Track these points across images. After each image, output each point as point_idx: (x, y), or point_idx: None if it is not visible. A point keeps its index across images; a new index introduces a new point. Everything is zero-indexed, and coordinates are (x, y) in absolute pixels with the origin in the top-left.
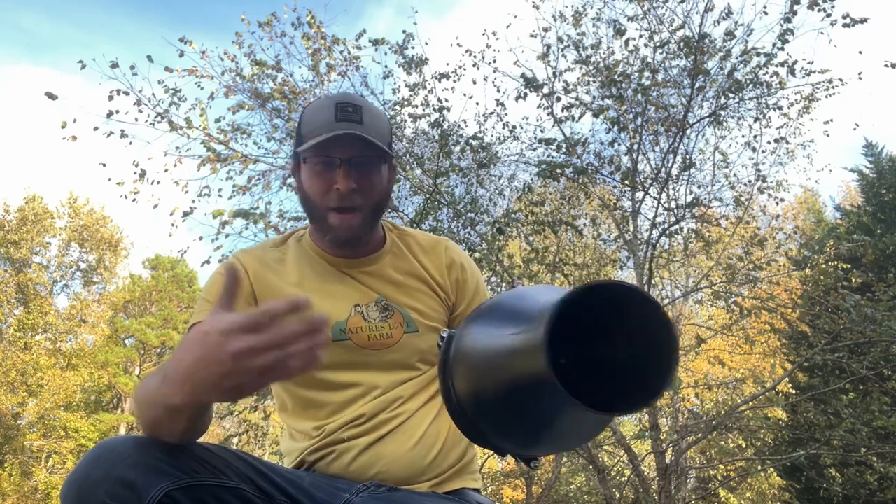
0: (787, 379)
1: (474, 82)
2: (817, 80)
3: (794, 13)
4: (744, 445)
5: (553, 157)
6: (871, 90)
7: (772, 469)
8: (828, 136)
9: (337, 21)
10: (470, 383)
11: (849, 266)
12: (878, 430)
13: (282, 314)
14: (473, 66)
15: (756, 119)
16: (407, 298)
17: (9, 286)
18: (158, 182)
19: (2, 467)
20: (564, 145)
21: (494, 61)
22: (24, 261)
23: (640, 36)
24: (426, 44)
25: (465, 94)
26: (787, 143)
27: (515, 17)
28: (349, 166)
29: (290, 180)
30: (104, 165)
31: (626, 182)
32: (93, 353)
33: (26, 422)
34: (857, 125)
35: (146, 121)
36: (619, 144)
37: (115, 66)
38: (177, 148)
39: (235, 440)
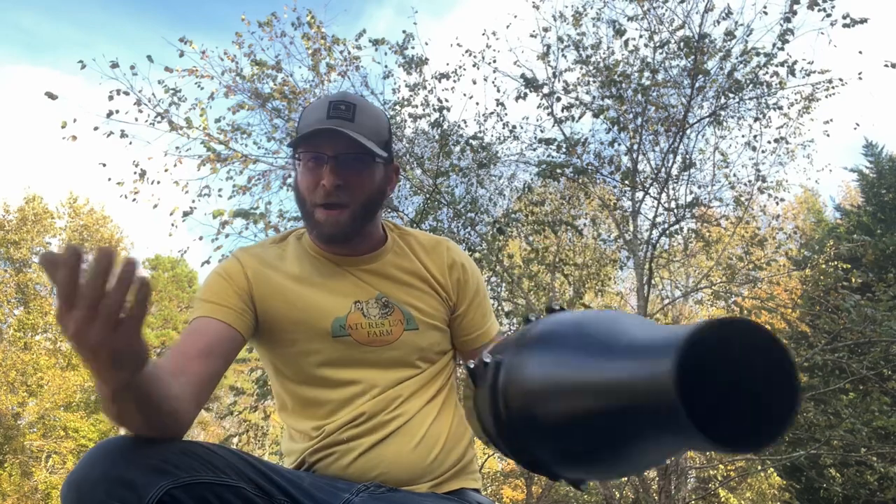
0: None
1: (474, 82)
2: (817, 80)
3: (794, 13)
4: None
5: (553, 157)
6: (871, 90)
7: (772, 469)
8: (828, 136)
9: (337, 21)
10: (539, 412)
11: (849, 266)
12: (878, 430)
13: (94, 275)
14: (473, 66)
15: (756, 119)
16: (407, 296)
17: (9, 286)
18: (158, 182)
19: (2, 467)
20: (564, 145)
21: (494, 61)
22: (24, 261)
23: (640, 36)
24: (426, 44)
25: (465, 94)
26: (787, 143)
27: (515, 17)
28: (336, 163)
29: (290, 180)
30: (104, 165)
31: (626, 182)
32: None
33: (26, 422)
34: (858, 125)
35: (146, 121)
36: (619, 144)
37: (115, 66)
38: (177, 148)
39: (235, 440)
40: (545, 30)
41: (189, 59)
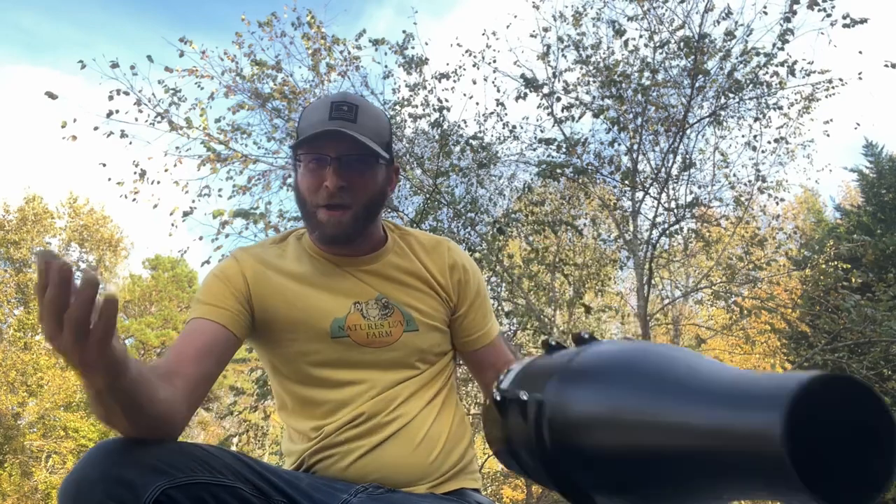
0: None
1: (474, 82)
2: (817, 80)
3: (794, 13)
4: None
5: (553, 157)
6: (871, 90)
7: None
8: (828, 136)
9: (337, 21)
10: (598, 454)
11: (849, 266)
12: None
13: (53, 289)
14: (473, 66)
15: (756, 119)
16: (407, 297)
17: (9, 286)
18: (158, 182)
19: (2, 467)
20: (564, 145)
21: (494, 61)
22: (24, 261)
23: (640, 36)
24: (426, 44)
25: (465, 94)
26: (787, 143)
27: (515, 17)
28: (339, 164)
29: (290, 180)
30: (104, 165)
31: (626, 182)
32: None
33: (26, 422)
34: (858, 125)
35: (146, 121)
36: (619, 144)
37: (115, 66)
38: (177, 148)
39: (235, 440)
40: (545, 30)
41: (189, 59)
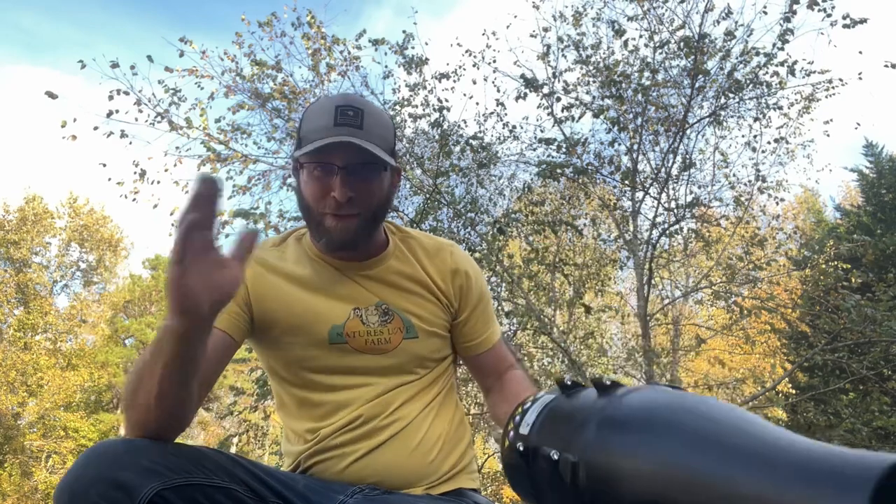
0: (787, 379)
1: (474, 82)
2: (817, 80)
3: (794, 13)
4: None
5: (553, 157)
6: (871, 90)
7: None
8: (828, 136)
9: (337, 21)
10: None
11: (849, 266)
12: (878, 430)
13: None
14: (473, 66)
15: (756, 119)
16: (408, 303)
17: (9, 286)
18: (158, 182)
19: (2, 467)
20: (564, 145)
21: (494, 61)
22: (24, 261)
23: (640, 36)
24: (426, 44)
25: (465, 94)
26: (787, 143)
27: (515, 17)
28: (346, 174)
29: (290, 180)
30: (104, 165)
31: (626, 182)
32: (93, 353)
33: (26, 422)
34: (858, 125)
35: (146, 121)
36: (619, 144)
37: (115, 66)
38: (177, 148)
39: (235, 440)
40: (545, 30)
41: (189, 59)
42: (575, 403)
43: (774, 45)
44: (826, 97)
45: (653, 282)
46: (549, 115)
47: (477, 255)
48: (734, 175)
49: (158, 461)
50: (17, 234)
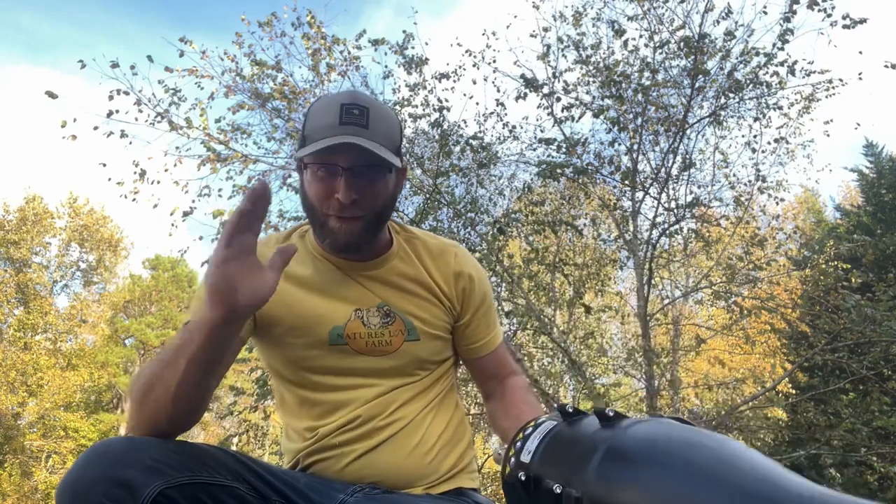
0: (787, 379)
1: (474, 82)
2: (817, 80)
3: (794, 13)
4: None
5: (553, 157)
6: (871, 90)
7: None
8: (828, 136)
9: (337, 21)
10: None
11: (849, 266)
12: (878, 430)
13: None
14: (473, 66)
15: (756, 119)
16: (410, 305)
17: (9, 286)
18: (158, 182)
19: (2, 467)
20: (564, 145)
21: (494, 61)
22: (24, 261)
23: (640, 36)
24: (426, 44)
25: (465, 94)
26: (787, 143)
27: (515, 17)
28: (351, 175)
29: (290, 180)
30: (104, 165)
31: (626, 182)
32: (93, 353)
33: (26, 422)
34: (858, 125)
35: (146, 121)
36: (619, 144)
37: (115, 66)
38: (177, 148)
39: (235, 440)
40: (545, 30)
41: (189, 59)
42: (577, 433)
43: (774, 45)
44: (826, 97)
45: (653, 282)
46: (549, 115)
47: (477, 255)
48: (734, 175)
49: (161, 459)
50: (17, 234)
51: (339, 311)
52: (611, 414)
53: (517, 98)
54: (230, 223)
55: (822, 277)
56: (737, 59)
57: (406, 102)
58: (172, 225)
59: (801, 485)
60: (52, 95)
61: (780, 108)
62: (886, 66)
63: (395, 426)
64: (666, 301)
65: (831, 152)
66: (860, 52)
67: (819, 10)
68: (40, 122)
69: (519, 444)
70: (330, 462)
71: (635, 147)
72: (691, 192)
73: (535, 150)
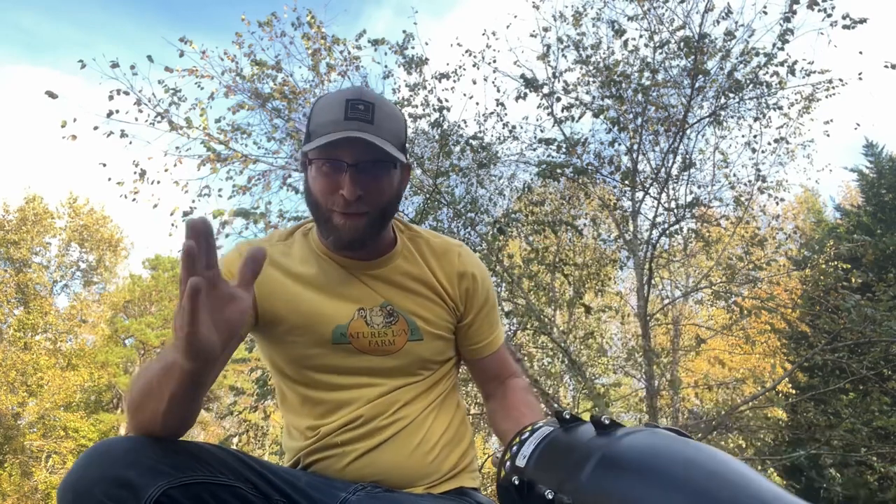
0: (787, 379)
1: (474, 82)
2: (817, 80)
3: (794, 13)
4: (744, 445)
5: (553, 157)
6: (871, 90)
7: (772, 469)
8: (828, 136)
9: (337, 21)
10: None
11: (849, 266)
12: (878, 430)
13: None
14: (473, 66)
15: (756, 119)
16: (413, 305)
17: (9, 286)
18: (158, 182)
19: (2, 467)
20: (564, 145)
21: (494, 61)
22: (24, 261)
23: (640, 36)
24: (426, 44)
25: (465, 94)
26: (787, 143)
27: (515, 17)
28: (356, 171)
29: (290, 180)
30: (104, 165)
31: (626, 182)
32: (93, 353)
33: (26, 422)
34: (858, 125)
35: (146, 121)
36: (619, 144)
37: (115, 66)
38: (177, 148)
39: (235, 440)
40: (545, 30)
41: (189, 59)
42: (572, 440)
43: (774, 45)
44: (826, 97)
45: (653, 282)
46: (549, 115)
47: (477, 255)
48: (734, 175)
49: (163, 460)
50: (17, 234)
51: (343, 310)
52: (606, 422)
53: (517, 98)
54: (188, 302)
55: (822, 277)
56: (737, 59)
57: (406, 102)
58: (172, 225)
59: (787, 500)
60: (52, 95)
61: (780, 108)
62: (886, 66)
63: (397, 426)
64: (666, 301)
65: (831, 152)
66: (860, 52)
67: (819, 10)
68: (40, 122)
69: (515, 448)
70: (331, 461)
71: (635, 147)
72: (691, 192)
73: (535, 150)
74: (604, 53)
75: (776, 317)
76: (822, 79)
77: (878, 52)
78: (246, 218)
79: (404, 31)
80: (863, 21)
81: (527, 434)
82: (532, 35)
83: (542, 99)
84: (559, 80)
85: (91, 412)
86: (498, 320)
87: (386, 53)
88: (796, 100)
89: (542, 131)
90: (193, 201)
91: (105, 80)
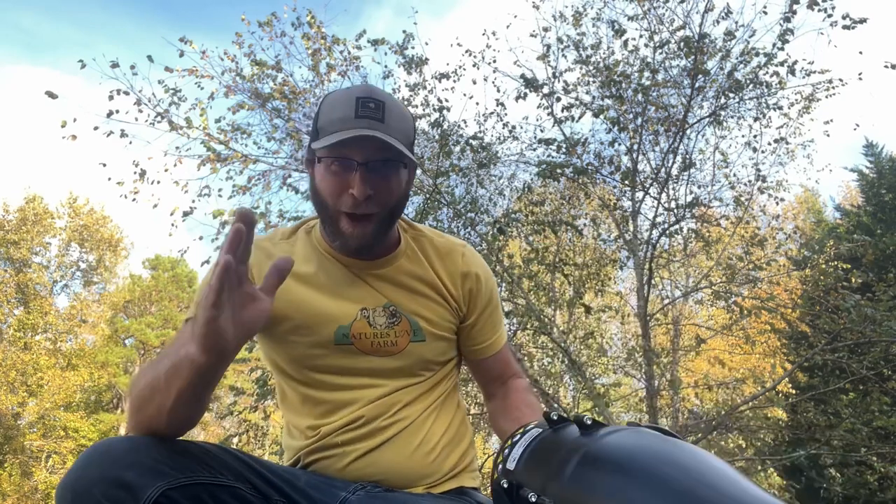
0: (787, 379)
1: (474, 82)
2: (817, 80)
3: (794, 13)
4: (744, 445)
5: (553, 157)
6: (871, 90)
7: (772, 469)
8: (828, 136)
9: (337, 21)
10: None
11: (849, 266)
12: (878, 430)
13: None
14: (473, 66)
15: (756, 119)
16: (416, 306)
17: (9, 286)
18: (158, 182)
19: (2, 467)
20: (564, 145)
21: (494, 61)
22: (24, 261)
23: (640, 36)
24: (426, 44)
25: (465, 94)
26: (787, 143)
27: (515, 17)
28: (366, 170)
29: (290, 180)
30: (104, 165)
31: (626, 182)
32: (93, 353)
33: (26, 422)
34: (858, 125)
35: (146, 121)
36: (619, 144)
37: (115, 66)
38: (177, 148)
39: (235, 440)
40: (545, 30)
41: (189, 59)
42: (558, 441)
43: (774, 45)
44: (826, 97)
45: (653, 282)
46: (549, 115)
47: None
48: (734, 175)
49: (162, 460)
50: (17, 234)
51: (345, 311)
52: (588, 422)
53: (517, 98)
54: (217, 281)
55: (822, 277)
56: (737, 59)
57: (406, 102)
58: (172, 225)
59: (764, 499)
60: (52, 95)
61: (780, 108)
62: (886, 66)
63: (398, 426)
64: (666, 301)
65: (831, 152)
66: (860, 52)
67: (819, 10)
68: (40, 122)
69: (507, 451)
70: (332, 460)
71: (635, 147)
72: (691, 192)
73: (535, 150)
74: (604, 53)
75: (776, 317)
76: (822, 79)
77: (878, 52)
78: None
79: (404, 31)
80: (863, 21)
81: (518, 436)
82: (532, 35)
83: (542, 99)
84: (559, 80)
85: (91, 412)
86: (501, 321)
87: (386, 53)
88: (796, 100)
89: (542, 131)
90: (193, 201)
91: (105, 80)
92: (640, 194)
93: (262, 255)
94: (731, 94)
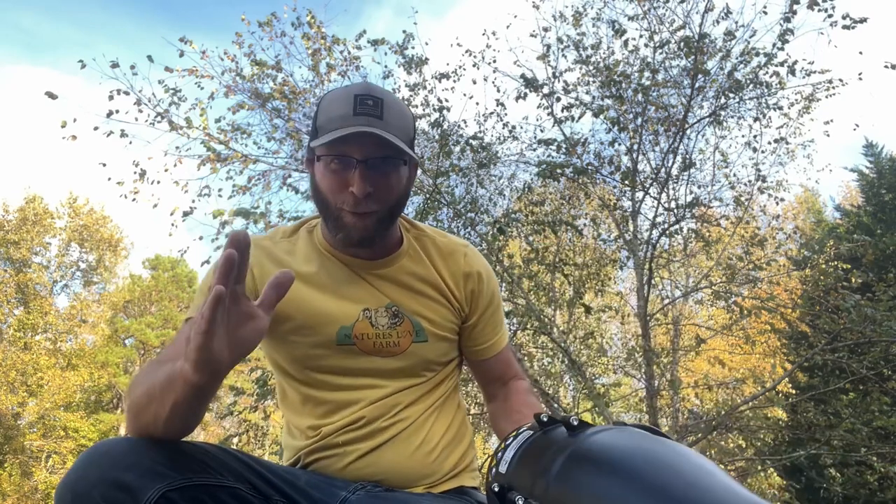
0: (787, 379)
1: (474, 82)
2: (817, 80)
3: (794, 13)
4: (744, 445)
5: (553, 158)
6: (871, 90)
7: (772, 469)
8: (828, 136)
9: (337, 21)
10: None
11: (849, 266)
12: (878, 430)
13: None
14: (473, 66)
15: (756, 119)
16: (418, 306)
17: (9, 286)
18: (158, 182)
19: (2, 467)
20: (564, 145)
21: (494, 61)
22: (24, 261)
23: (640, 36)
24: (426, 44)
25: (465, 94)
26: (787, 143)
27: (515, 17)
28: (366, 167)
29: (290, 180)
30: (104, 165)
31: (626, 182)
32: (93, 353)
33: (26, 422)
34: (857, 125)
35: (146, 121)
36: (619, 144)
37: (115, 66)
38: (177, 148)
39: (235, 440)
40: (545, 30)
41: (189, 59)
42: (546, 443)
43: (774, 45)
44: (826, 97)
45: (653, 282)
46: (549, 115)
47: None
48: (734, 175)
49: (162, 461)
50: (17, 234)
51: (347, 311)
52: (575, 423)
53: (517, 98)
54: (210, 307)
55: (822, 277)
56: (737, 59)
57: (406, 102)
58: (172, 225)
59: (749, 500)
60: (52, 96)
61: (780, 108)
62: (886, 66)
63: (399, 426)
64: (666, 301)
65: (831, 152)
66: (860, 53)
67: (819, 10)
68: (40, 122)
69: (500, 454)
70: (332, 460)
71: (635, 147)
72: (691, 192)
73: (535, 150)
74: (604, 53)
75: (776, 317)
76: (822, 79)
77: (878, 52)
78: (246, 218)
79: (404, 31)
80: (863, 21)
81: (510, 439)
82: (532, 35)
83: (542, 99)
84: (559, 80)
85: (91, 412)
86: (502, 321)
87: (386, 53)
88: (796, 100)
89: (542, 131)
90: (193, 201)
91: (105, 80)
92: (640, 194)
93: (263, 255)
94: (731, 94)
